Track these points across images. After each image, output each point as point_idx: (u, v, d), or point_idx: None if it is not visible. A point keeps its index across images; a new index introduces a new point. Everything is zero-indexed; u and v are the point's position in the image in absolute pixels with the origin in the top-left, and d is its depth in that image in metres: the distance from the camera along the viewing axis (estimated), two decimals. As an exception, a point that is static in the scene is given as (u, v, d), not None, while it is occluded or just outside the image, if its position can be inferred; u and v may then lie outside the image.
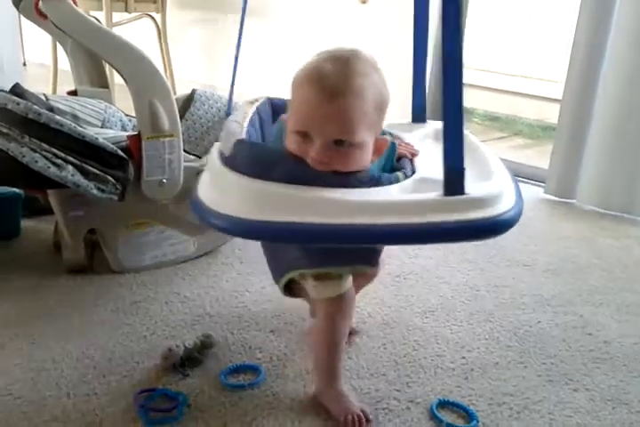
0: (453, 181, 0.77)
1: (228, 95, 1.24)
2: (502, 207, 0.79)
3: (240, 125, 0.95)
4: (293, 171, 0.81)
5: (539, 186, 2.11)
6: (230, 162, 0.82)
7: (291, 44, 2.95)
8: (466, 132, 0.78)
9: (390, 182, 0.82)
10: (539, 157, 2.37)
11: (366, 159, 0.86)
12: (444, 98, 0.73)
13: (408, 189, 0.82)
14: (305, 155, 0.82)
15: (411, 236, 0.77)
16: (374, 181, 0.82)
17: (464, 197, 0.77)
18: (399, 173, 0.85)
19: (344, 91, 0.80)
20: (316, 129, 0.81)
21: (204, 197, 0.82)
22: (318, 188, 0.78)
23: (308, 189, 0.78)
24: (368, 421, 0.95)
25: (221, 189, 0.82)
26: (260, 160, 0.81)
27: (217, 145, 0.92)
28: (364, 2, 0.90)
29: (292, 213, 0.75)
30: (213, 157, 0.88)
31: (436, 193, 0.78)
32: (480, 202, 0.78)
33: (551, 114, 2.68)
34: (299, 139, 0.83)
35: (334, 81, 0.80)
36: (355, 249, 0.94)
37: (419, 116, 1.14)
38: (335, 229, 0.75)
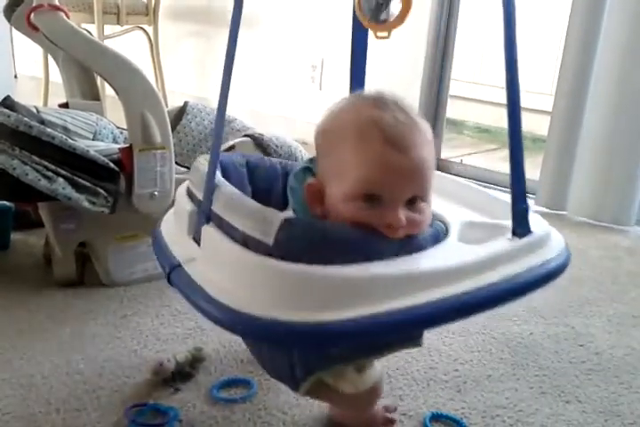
0: (522, 220, 0.75)
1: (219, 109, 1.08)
2: (558, 240, 0.81)
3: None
4: (376, 247, 0.68)
5: (530, 198, 2.11)
6: (282, 249, 0.64)
7: (279, 55, 2.96)
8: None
9: (444, 234, 0.75)
10: (529, 169, 2.38)
11: (431, 216, 0.75)
12: (510, 141, 0.74)
13: (463, 239, 0.75)
14: (375, 223, 0.69)
15: (511, 292, 0.72)
16: (436, 238, 0.73)
17: (535, 235, 0.77)
18: (440, 223, 0.78)
19: (415, 140, 0.71)
20: (391, 188, 0.69)
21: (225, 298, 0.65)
22: (403, 259, 0.68)
23: (402, 263, 0.67)
24: (393, 422, 0.96)
25: (261, 285, 0.65)
26: (328, 242, 0.66)
27: (183, 197, 0.81)
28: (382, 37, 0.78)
29: (384, 299, 0.63)
30: (212, 234, 0.72)
31: (503, 237, 0.75)
32: (546, 239, 0.79)
33: (541, 126, 2.70)
34: (365, 204, 0.69)
35: (402, 129, 0.70)
36: None
37: None
38: (445, 307, 0.65)
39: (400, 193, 0.70)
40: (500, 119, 3.60)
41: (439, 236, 0.74)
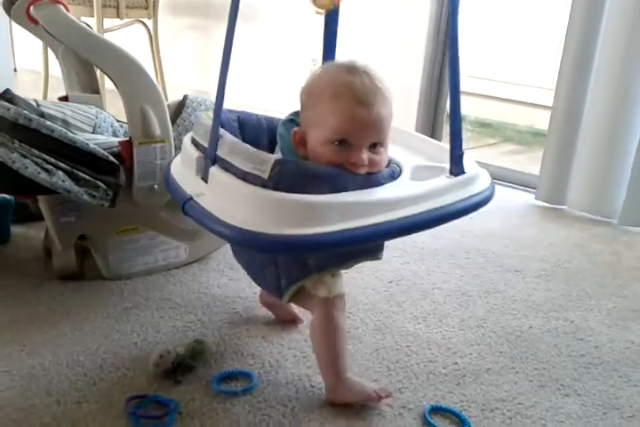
0: (458, 163, 0.96)
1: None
2: (486, 179, 1.01)
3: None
4: (343, 180, 0.87)
5: (530, 192, 2.12)
6: (274, 182, 0.83)
7: (277, 49, 2.95)
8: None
9: (398, 175, 0.93)
10: (530, 163, 2.38)
11: (387, 158, 0.95)
12: (451, 100, 0.94)
13: (415, 178, 0.94)
14: (345, 162, 0.89)
15: (444, 217, 0.91)
16: (392, 176, 0.92)
17: (467, 175, 0.97)
18: (395, 166, 0.96)
19: (376, 99, 0.90)
20: (357, 135, 0.89)
21: (227, 218, 0.84)
22: (364, 191, 0.88)
23: (361, 194, 0.87)
24: (388, 396, 1.00)
25: (260, 210, 0.84)
26: (309, 177, 0.86)
27: (189, 145, 0.98)
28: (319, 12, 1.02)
29: (352, 219, 0.83)
30: (218, 173, 0.89)
31: (443, 176, 0.95)
32: (475, 178, 0.99)
33: (541, 120, 2.69)
34: (337, 147, 0.89)
35: (366, 91, 0.90)
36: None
37: None
38: (393, 226, 0.85)
39: (364, 139, 0.90)
40: (501, 114, 3.61)
41: (394, 175, 0.93)
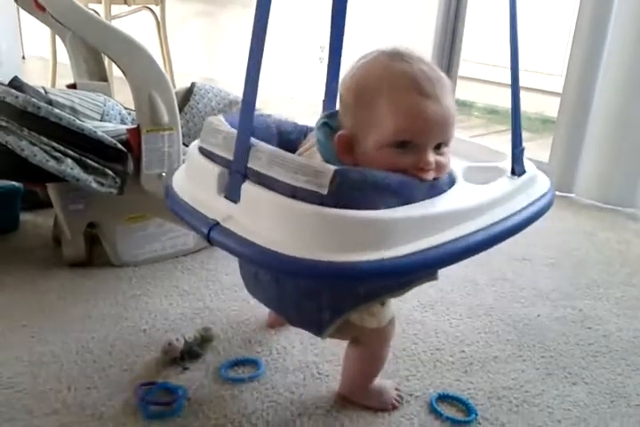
0: (520, 161, 0.87)
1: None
2: (545, 178, 0.93)
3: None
4: (413, 189, 0.74)
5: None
6: (336, 198, 0.69)
7: (286, 36, 2.94)
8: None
9: (456, 178, 0.81)
10: (539, 150, 2.36)
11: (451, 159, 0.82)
12: (512, 92, 0.87)
13: (470, 181, 0.82)
14: (406, 167, 0.76)
15: (519, 226, 0.82)
16: (451, 181, 0.80)
17: (530, 173, 0.88)
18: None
19: (443, 90, 0.77)
20: (423, 135, 0.76)
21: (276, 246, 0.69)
22: (431, 201, 0.75)
23: (431, 205, 0.74)
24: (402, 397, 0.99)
25: (318, 233, 0.69)
26: (377, 188, 0.71)
27: (197, 157, 0.84)
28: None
29: (430, 235, 0.72)
30: (254, 190, 0.74)
31: (503, 177, 0.85)
32: (535, 177, 0.91)
33: (550, 107, 2.67)
34: (398, 151, 0.75)
35: (431, 81, 0.76)
36: None
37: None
38: (470, 243, 0.74)
39: (431, 139, 0.76)
40: (510, 100, 3.58)
41: (453, 179, 0.80)
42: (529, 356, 1.14)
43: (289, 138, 0.93)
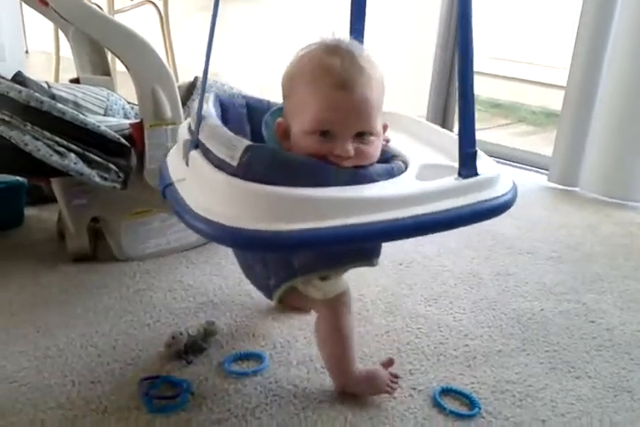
0: (469, 163, 0.82)
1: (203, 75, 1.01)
2: (506, 184, 0.87)
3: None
4: (324, 173, 0.78)
5: (542, 173, 2.10)
6: (243, 171, 0.75)
7: (288, 30, 2.93)
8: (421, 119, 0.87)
9: (400, 172, 0.83)
10: (543, 144, 2.36)
11: (379, 149, 0.86)
12: (460, 87, 0.81)
13: (419, 177, 0.82)
14: (328, 154, 0.80)
15: (443, 223, 0.80)
16: (389, 173, 0.82)
17: (480, 177, 0.83)
18: (400, 162, 0.86)
19: (359, 82, 0.80)
20: (339, 124, 0.80)
21: (198, 208, 0.76)
22: (349, 187, 0.77)
23: (341, 190, 0.76)
24: (397, 377, 1.00)
25: (228, 201, 0.75)
26: (283, 167, 0.77)
27: (184, 130, 0.92)
28: None
29: (329, 217, 0.73)
30: (196, 157, 0.82)
31: (450, 177, 0.82)
32: (491, 181, 0.85)
33: (554, 100, 2.66)
34: (320, 138, 0.81)
35: (347, 73, 0.80)
36: (361, 247, 0.94)
37: None
38: (375, 228, 0.75)
39: (348, 128, 0.80)
40: (514, 94, 3.57)
41: (392, 172, 0.82)
42: (532, 350, 1.14)
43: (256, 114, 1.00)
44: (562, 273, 1.45)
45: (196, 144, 0.84)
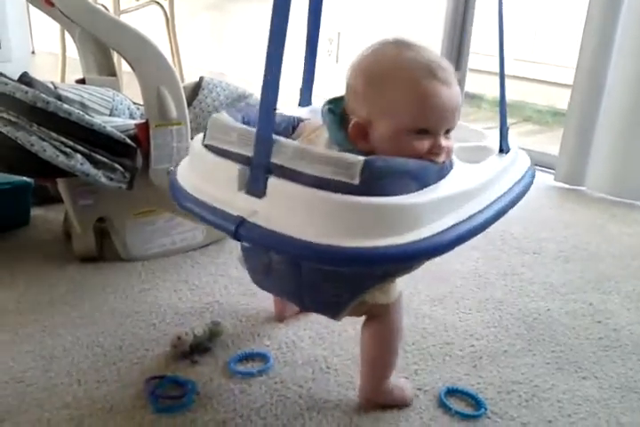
0: (506, 139, 0.94)
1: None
2: (523, 153, 1.01)
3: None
4: (429, 173, 0.77)
5: (549, 173, 2.10)
6: (366, 187, 0.70)
7: (295, 29, 2.93)
8: None
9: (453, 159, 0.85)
10: (549, 143, 2.35)
11: None
12: (500, 76, 0.94)
13: (464, 161, 0.86)
14: (420, 152, 0.79)
15: (519, 198, 0.89)
16: (451, 163, 0.83)
17: (514, 150, 0.95)
18: None
19: (453, 79, 0.80)
20: (439, 121, 0.79)
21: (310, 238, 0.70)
22: (445, 183, 0.78)
23: (448, 187, 0.78)
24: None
25: (345, 220, 0.71)
26: (401, 175, 0.74)
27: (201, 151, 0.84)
28: None
29: (443, 217, 0.75)
30: (281, 184, 0.74)
31: (493, 155, 0.92)
32: (518, 153, 0.98)
33: (560, 99, 2.66)
34: (416, 136, 0.79)
35: (444, 70, 0.79)
36: None
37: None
38: (486, 217, 0.80)
39: (445, 124, 0.80)
40: (520, 93, 3.56)
41: (452, 161, 0.83)
42: (539, 350, 1.14)
43: (278, 129, 0.92)
44: (568, 273, 1.44)
45: (269, 170, 0.75)
